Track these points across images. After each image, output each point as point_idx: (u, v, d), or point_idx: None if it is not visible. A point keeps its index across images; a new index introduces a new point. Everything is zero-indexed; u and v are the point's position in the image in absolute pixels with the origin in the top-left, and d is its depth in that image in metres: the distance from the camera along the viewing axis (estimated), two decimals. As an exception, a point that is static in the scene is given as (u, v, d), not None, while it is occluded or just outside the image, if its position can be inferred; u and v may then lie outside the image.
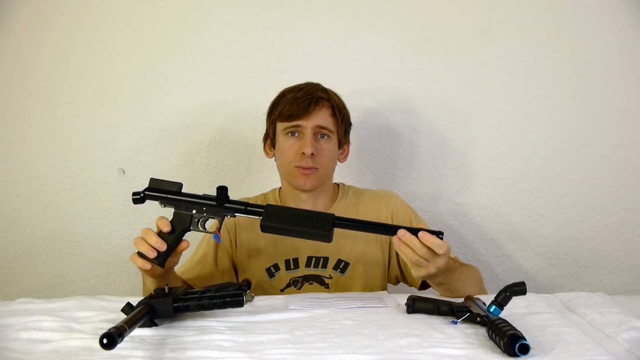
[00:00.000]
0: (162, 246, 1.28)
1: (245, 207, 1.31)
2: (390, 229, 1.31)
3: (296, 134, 1.57)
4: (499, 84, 1.94)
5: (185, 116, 1.96)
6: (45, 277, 2.01)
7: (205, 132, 1.97)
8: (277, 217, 1.28)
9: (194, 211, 1.31)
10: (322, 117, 1.56)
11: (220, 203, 1.31)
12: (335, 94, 1.63)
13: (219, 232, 1.34)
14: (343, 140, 1.64)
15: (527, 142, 1.96)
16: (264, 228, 1.29)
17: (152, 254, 1.28)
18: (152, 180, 1.34)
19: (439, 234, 1.26)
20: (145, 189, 1.33)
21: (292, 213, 1.30)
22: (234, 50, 1.93)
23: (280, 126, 1.59)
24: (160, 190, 1.32)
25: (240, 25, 1.93)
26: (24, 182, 1.96)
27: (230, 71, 1.94)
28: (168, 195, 1.32)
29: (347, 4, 1.92)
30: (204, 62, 1.94)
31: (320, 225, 1.28)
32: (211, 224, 1.35)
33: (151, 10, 1.92)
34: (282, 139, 1.59)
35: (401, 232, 1.26)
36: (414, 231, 1.26)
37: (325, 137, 1.57)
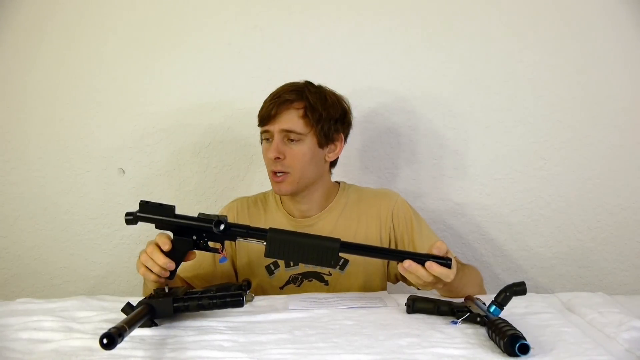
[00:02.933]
0: (172, 265, 1.28)
1: (247, 231, 1.28)
2: (396, 256, 1.30)
3: (269, 139, 1.57)
4: (499, 84, 1.94)
5: (185, 116, 1.96)
6: (45, 277, 2.01)
7: (205, 132, 1.97)
8: (281, 248, 1.24)
9: (194, 237, 1.30)
10: (288, 121, 1.54)
11: (221, 234, 1.28)
12: (315, 92, 1.58)
13: (222, 251, 1.32)
14: (326, 139, 1.58)
15: (527, 142, 1.96)
16: (268, 257, 1.27)
17: (166, 275, 1.29)
18: (142, 204, 1.28)
19: (446, 262, 1.25)
20: (138, 212, 1.29)
21: (296, 242, 1.25)
22: (234, 50, 1.93)
23: (260, 131, 1.61)
24: (153, 214, 1.27)
25: (240, 26, 1.93)
26: (24, 182, 1.96)
27: (230, 71, 1.94)
28: (164, 219, 1.28)
29: (348, 4, 1.92)
30: (204, 62, 1.94)
31: (326, 257, 1.24)
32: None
33: (151, 10, 1.92)
34: (262, 144, 1.62)
35: (407, 264, 1.24)
36: (421, 258, 1.25)
37: (295, 140, 1.55)
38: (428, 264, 1.24)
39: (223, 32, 1.93)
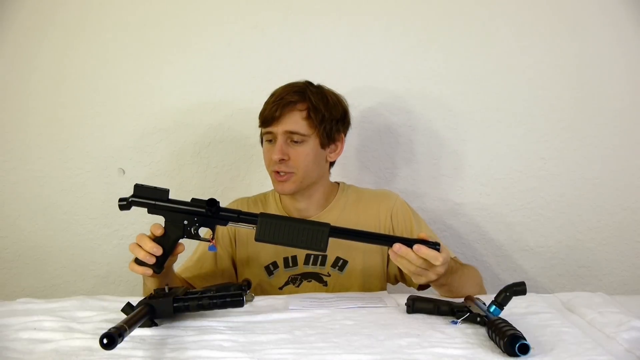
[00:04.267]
0: (158, 251, 1.28)
1: (238, 216, 1.30)
2: (386, 240, 1.31)
3: (272, 140, 1.57)
4: (498, 84, 1.94)
5: (185, 116, 1.96)
6: (45, 277, 2.01)
7: (205, 132, 1.97)
8: (271, 231, 1.26)
9: (185, 222, 1.30)
10: (292, 122, 1.54)
11: (212, 216, 1.29)
12: (318, 93, 1.58)
13: (213, 240, 1.33)
14: (328, 139, 1.59)
15: (527, 142, 1.96)
16: (259, 240, 1.28)
17: (151, 261, 1.28)
18: (136, 186, 1.31)
19: (435, 245, 1.26)
20: (132, 196, 1.31)
21: (286, 224, 1.27)
22: (234, 50, 1.93)
23: (261, 131, 1.61)
24: (147, 198, 1.30)
25: (240, 26, 1.93)
26: (24, 182, 1.96)
27: (231, 71, 1.94)
28: (156, 203, 1.29)
29: (347, 5, 1.92)
30: (204, 62, 1.94)
31: (315, 239, 1.26)
32: (205, 229, 1.35)
33: (151, 10, 1.92)
34: (263, 144, 1.61)
35: (396, 246, 1.25)
36: (410, 242, 1.26)
37: (299, 142, 1.55)
38: (416, 246, 1.24)
39: (223, 32, 1.93)
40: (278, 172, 1.55)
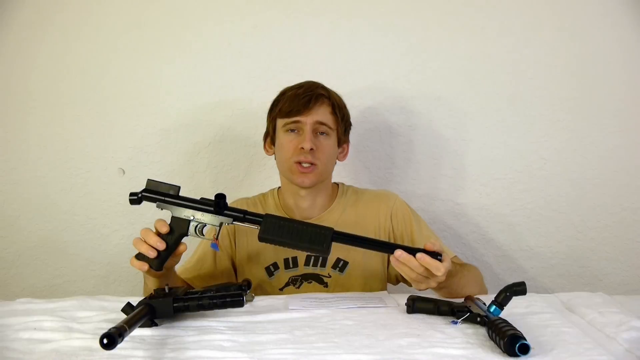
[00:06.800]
0: (162, 245, 1.28)
1: (244, 216, 1.31)
2: (388, 247, 1.31)
3: (296, 130, 1.57)
4: (498, 84, 1.94)
5: (185, 116, 1.96)
6: (45, 277, 2.01)
7: (205, 132, 1.97)
8: (275, 230, 1.27)
9: (192, 217, 1.31)
10: (322, 114, 1.57)
11: (219, 211, 1.31)
12: (335, 94, 1.64)
13: (217, 239, 1.33)
14: (342, 138, 1.65)
15: (527, 142, 1.96)
16: (262, 240, 1.28)
17: (152, 254, 1.28)
18: (149, 181, 1.33)
19: (437, 256, 1.26)
20: (143, 190, 1.32)
21: (290, 226, 1.28)
22: (234, 50, 1.93)
23: (280, 122, 1.60)
24: (157, 193, 1.32)
25: (240, 26, 1.93)
26: (24, 182, 1.96)
27: (230, 71, 1.94)
28: (166, 198, 1.31)
29: (347, 5, 1.92)
30: (204, 62, 1.94)
31: (318, 241, 1.27)
32: (209, 228, 1.35)
33: (151, 10, 1.92)
34: (282, 136, 1.60)
35: (398, 253, 1.25)
36: (412, 251, 1.26)
37: (325, 134, 1.58)
38: (419, 255, 1.24)
39: (223, 32, 1.93)
40: (301, 164, 1.55)
